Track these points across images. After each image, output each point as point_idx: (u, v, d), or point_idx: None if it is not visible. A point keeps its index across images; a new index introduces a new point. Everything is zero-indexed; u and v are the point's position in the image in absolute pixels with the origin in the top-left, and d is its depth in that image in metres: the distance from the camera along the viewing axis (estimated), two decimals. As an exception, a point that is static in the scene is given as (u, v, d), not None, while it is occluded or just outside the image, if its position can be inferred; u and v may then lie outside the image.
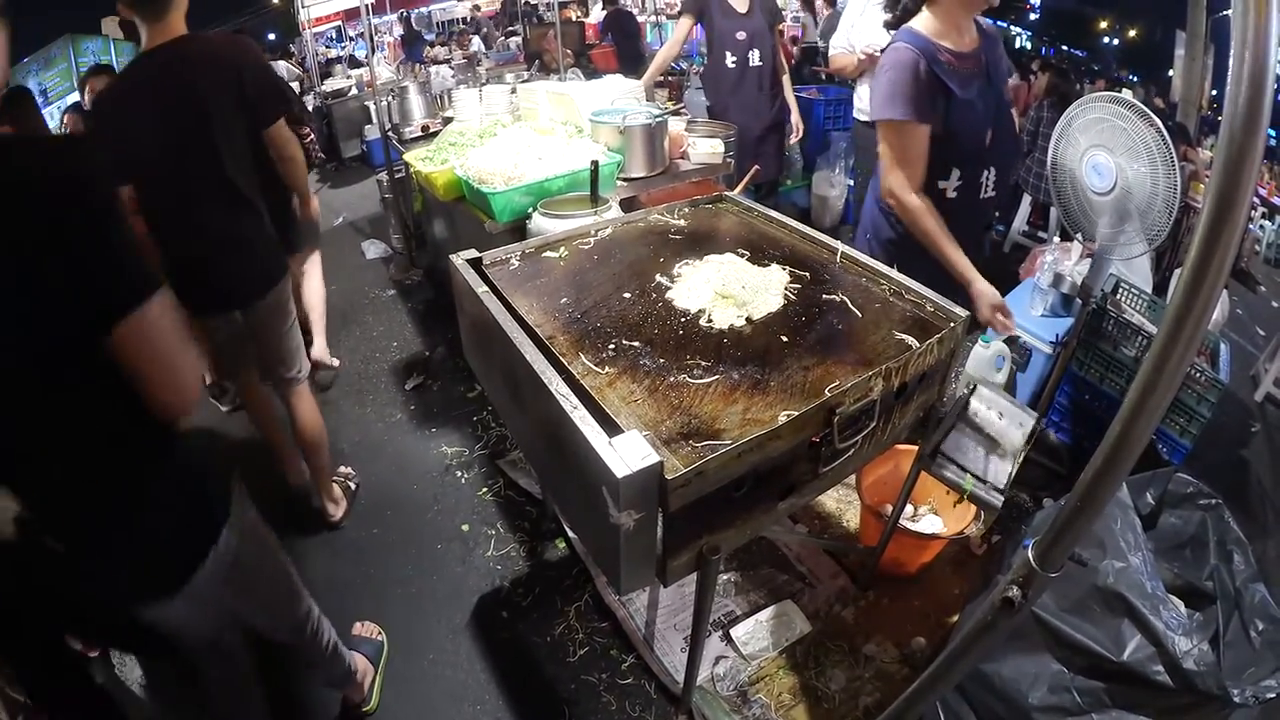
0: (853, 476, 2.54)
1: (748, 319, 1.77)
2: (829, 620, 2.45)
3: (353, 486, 3.19)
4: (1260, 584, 1.78)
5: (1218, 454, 3.62)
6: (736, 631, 2.38)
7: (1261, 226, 8.05)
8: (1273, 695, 1.51)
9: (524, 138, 3.05)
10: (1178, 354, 0.77)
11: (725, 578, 2.57)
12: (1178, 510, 2.05)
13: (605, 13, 9.95)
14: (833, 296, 1.89)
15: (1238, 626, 1.72)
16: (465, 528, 2.95)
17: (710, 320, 1.76)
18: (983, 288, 2.24)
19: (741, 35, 4.17)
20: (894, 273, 1.99)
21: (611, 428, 1.38)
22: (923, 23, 2.22)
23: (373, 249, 5.82)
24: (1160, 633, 1.57)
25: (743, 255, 2.06)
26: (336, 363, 4.17)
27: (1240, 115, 0.67)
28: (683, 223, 2.34)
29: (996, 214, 2.33)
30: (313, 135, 4.51)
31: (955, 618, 2.42)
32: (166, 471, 1.37)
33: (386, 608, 2.62)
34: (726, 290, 1.83)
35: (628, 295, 1.88)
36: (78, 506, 1.29)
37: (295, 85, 8.92)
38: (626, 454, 1.27)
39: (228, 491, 1.53)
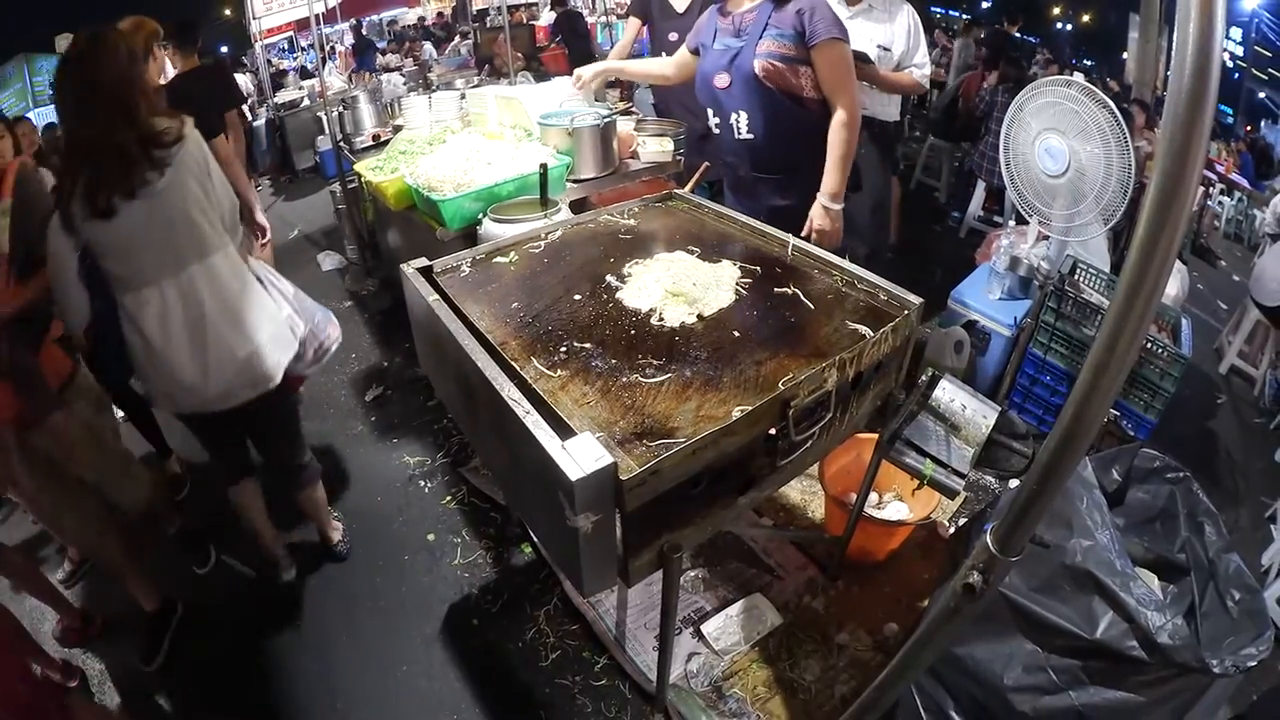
0: (815, 467, 2.55)
1: (699, 316, 1.78)
2: (800, 611, 2.46)
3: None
4: (1234, 554, 1.79)
5: (1185, 427, 3.71)
6: (707, 627, 2.38)
7: (1220, 203, 8.24)
8: (1254, 664, 1.52)
9: (473, 143, 3.03)
10: (1128, 335, 0.77)
11: (693, 574, 2.58)
12: (1145, 485, 2.06)
13: (555, 15, 9.91)
14: (784, 289, 1.90)
15: (1214, 597, 1.72)
16: (431, 537, 2.92)
17: (661, 319, 1.76)
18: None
19: (674, 36, 4.16)
20: (846, 263, 2.00)
21: (565, 431, 1.38)
22: None
23: (328, 261, 5.74)
24: (1132, 609, 1.57)
25: (693, 252, 2.07)
26: None
27: (1185, 91, 0.67)
28: (633, 222, 2.34)
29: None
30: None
31: (926, 602, 2.44)
32: None
33: (356, 621, 2.60)
34: (677, 288, 1.83)
35: (578, 297, 1.88)
36: None
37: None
38: (580, 456, 1.27)
39: None
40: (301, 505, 2.74)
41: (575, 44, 8.91)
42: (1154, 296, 0.75)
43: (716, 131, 2.76)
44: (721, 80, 2.59)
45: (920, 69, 3.57)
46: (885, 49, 3.49)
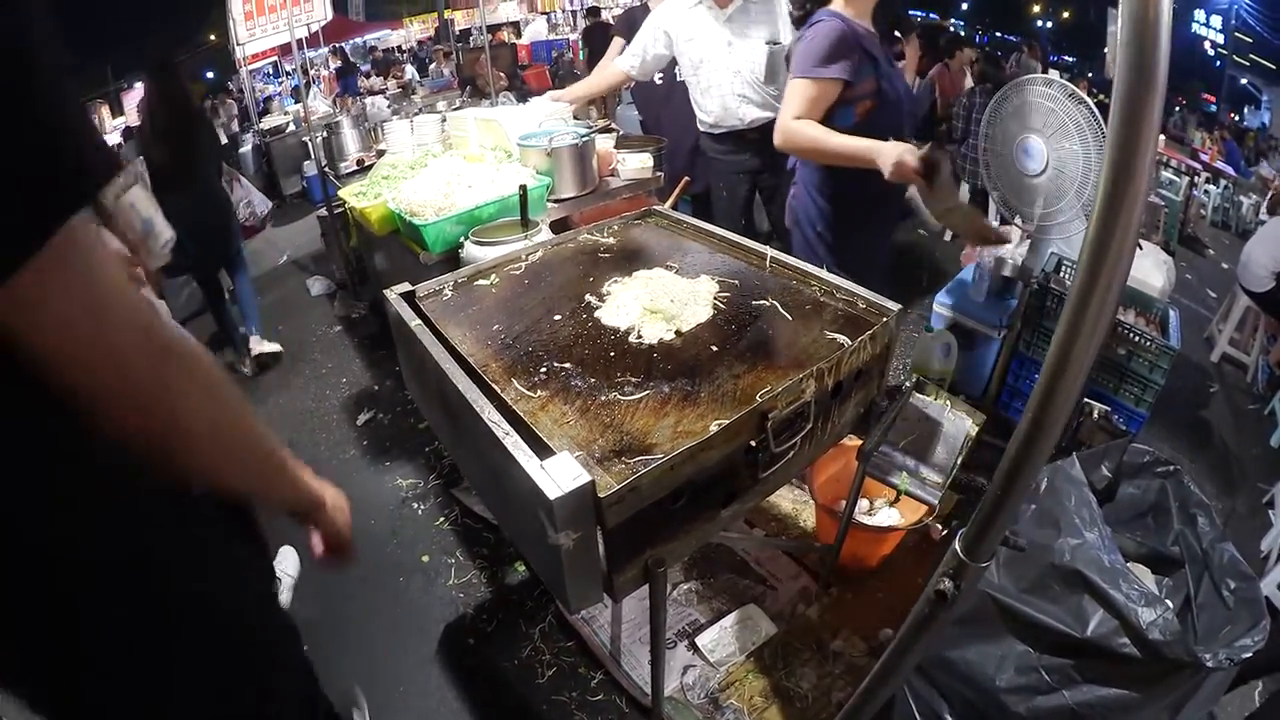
0: (805, 476, 2.57)
1: (677, 332, 1.79)
2: (794, 620, 2.47)
3: None
4: (1228, 544, 1.79)
5: (1180, 417, 3.72)
6: (702, 639, 2.38)
7: (1206, 191, 8.26)
8: (1249, 654, 1.51)
9: (453, 166, 3.04)
10: (1084, 337, 0.76)
11: (686, 587, 2.58)
12: (1135, 480, 2.06)
13: (585, 25, 10.02)
14: (762, 302, 1.92)
15: (1209, 588, 1.74)
16: (425, 558, 2.93)
17: (640, 336, 1.78)
18: (885, 148, 2.15)
19: None
20: (824, 273, 2.02)
21: (544, 451, 1.39)
22: (840, 5, 2.34)
23: (317, 285, 5.76)
24: (1122, 606, 1.57)
25: (671, 268, 2.09)
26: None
27: (1131, 79, 0.67)
28: (612, 240, 2.37)
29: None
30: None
31: (919, 606, 2.44)
32: None
33: (353, 643, 2.59)
34: (655, 305, 1.85)
35: (558, 318, 1.90)
36: None
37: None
38: (558, 475, 1.29)
39: None
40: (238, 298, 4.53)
41: (597, 61, 8.93)
42: (1108, 298, 0.73)
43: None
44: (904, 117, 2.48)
45: None
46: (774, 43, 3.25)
